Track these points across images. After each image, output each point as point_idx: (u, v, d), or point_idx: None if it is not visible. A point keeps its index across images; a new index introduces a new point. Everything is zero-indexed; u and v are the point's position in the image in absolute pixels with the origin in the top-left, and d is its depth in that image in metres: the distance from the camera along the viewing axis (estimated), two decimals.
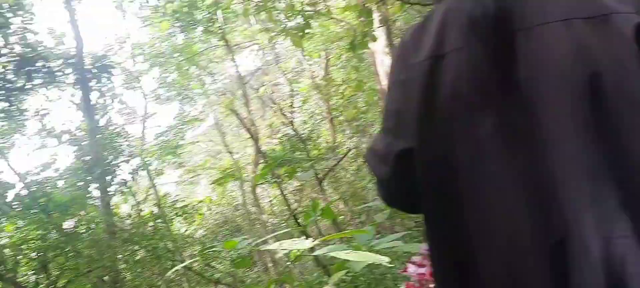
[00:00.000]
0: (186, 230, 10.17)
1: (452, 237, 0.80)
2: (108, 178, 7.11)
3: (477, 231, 0.76)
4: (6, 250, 6.23)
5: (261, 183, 8.46)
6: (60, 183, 7.04)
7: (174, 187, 13.17)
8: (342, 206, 8.30)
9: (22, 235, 6.37)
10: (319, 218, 4.95)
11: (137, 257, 6.83)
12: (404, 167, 0.87)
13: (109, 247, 6.32)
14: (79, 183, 6.85)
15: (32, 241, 6.21)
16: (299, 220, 5.06)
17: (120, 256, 6.76)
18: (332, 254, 2.13)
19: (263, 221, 8.71)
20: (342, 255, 2.03)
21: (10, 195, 6.38)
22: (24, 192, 6.45)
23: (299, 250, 1.97)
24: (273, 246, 1.93)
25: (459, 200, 0.78)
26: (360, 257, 2.07)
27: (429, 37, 0.86)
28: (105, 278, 6.43)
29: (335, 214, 5.69)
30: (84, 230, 6.74)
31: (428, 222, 0.85)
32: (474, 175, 0.77)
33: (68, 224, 6.89)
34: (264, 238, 2.59)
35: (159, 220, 8.47)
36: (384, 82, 7.20)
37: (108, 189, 7.10)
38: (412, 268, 2.29)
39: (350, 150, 7.40)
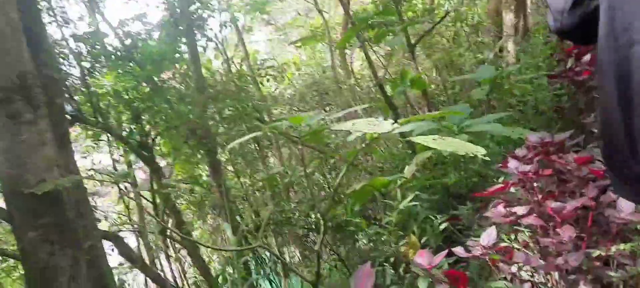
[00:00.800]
0: (276, 88, 10.24)
1: (619, 69, 0.94)
2: (196, 32, 7.05)
3: None
4: (109, 99, 6.57)
5: (350, 47, 8.07)
6: (154, 36, 7.11)
7: (264, 45, 13.13)
8: (435, 74, 7.76)
9: (119, 84, 6.64)
10: (408, 88, 4.55)
11: (225, 114, 6.94)
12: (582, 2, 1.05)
13: (198, 102, 6.43)
14: (168, 37, 6.86)
15: (127, 92, 6.45)
16: (385, 90, 4.70)
17: (211, 109, 6.89)
18: (417, 140, 1.81)
19: (350, 86, 8.45)
20: (430, 143, 1.69)
21: (107, 45, 6.56)
22: (119, 45, 6.59)
23: (376, 133, 1.65)
24: (345, 126, 1.63)
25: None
26: (449, 146, 1.72)
27: None
28: (197, 132, 6.64)
29: (426, 84, 5.25)
30: (174, 85, 6.89)
31: (599, 56, 1.00)
32: None
33: (162, 77, 7.06)
34: (338, 114, 2.29)
35: (248, 78, 8.49)
36: None
37: (196, 44, 7.08)
38: (513, 164, 1.90)
39: (448, 12, 6.64)
